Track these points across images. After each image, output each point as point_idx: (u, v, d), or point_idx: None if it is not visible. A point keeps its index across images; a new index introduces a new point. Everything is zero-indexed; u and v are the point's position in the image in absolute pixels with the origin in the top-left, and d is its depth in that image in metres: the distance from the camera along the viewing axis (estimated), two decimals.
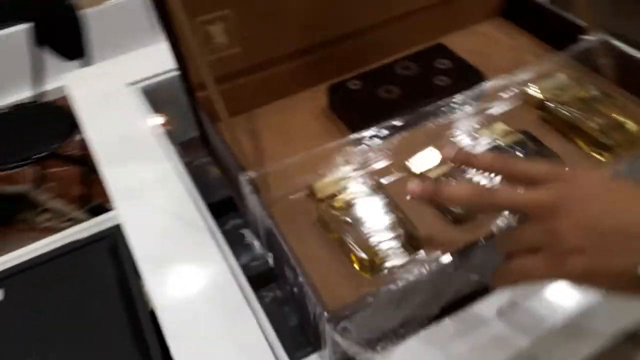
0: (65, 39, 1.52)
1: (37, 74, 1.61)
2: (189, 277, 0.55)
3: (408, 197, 0.44)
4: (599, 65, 0.68)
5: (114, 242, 0.59)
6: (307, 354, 0.51)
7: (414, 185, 0.43)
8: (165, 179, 0.65)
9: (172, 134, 0.83)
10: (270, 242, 0.52)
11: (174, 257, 0.57)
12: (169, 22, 0.57)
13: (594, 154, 0.59)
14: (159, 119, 0.75)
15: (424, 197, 0.43)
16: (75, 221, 0.77)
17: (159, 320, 0.51)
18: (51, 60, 1.54)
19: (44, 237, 0.67)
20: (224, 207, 0.68)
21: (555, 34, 0.74)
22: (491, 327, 0.50)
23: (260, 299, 0.56)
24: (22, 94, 2.04)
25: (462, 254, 0.46)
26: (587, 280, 0.37)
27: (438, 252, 0.46)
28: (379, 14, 0.71)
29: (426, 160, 0.58)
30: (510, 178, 0.41)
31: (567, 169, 0.39)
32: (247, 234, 0.66)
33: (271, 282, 0.60)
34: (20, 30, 1.59)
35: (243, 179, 0.53)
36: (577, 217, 0.36)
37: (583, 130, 0.59)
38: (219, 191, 0.69)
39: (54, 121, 1.53)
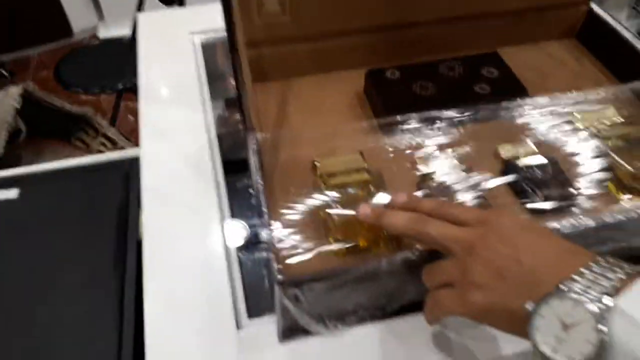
0: None
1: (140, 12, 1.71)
2: (182, 219, 0.58)
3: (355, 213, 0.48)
4: None
5: (127, 171, 0.63)
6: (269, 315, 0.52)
7: (364, 208, 0.47)
8: (194, 127, 0.68)
9: (222, 89, 0.86)
10: (258, 202, 0.54)
11: (176, 198, 0.60)
12: None
13: (620, 196, 0.55)
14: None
15: (369, 220, 0.47)
16: None
17: (142, 251, 0.54)
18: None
19: None
20: (244, 167, 0.70)
21: (626, 66, 0.69)
22: (450, 335, 0.49)
23: (246, 257, 0.58)
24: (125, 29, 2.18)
25: (431, 254, 0.45)
26: (486, 316, 0.39)
27: (411, 248, 0.46)
28: (443, 10, 0.69)
29: (435, 162, 0.57)
30: (448, 220, 0.43)
31: (495, 213, 0.42)
32: None
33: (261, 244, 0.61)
34: None
35: (249, 138, 0.54)
36: (486, 256, 0.39)
37: (612, 169, 0.56)
38: (242, 151, 0.71)
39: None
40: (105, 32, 2.37)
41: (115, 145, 1.02)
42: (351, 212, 0.50)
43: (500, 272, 0.38)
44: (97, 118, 1.02)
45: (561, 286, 0.34)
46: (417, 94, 0.64)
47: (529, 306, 0.35)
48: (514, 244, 0.39)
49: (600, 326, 0.32)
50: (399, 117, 0.59)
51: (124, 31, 2.24)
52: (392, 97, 0.63)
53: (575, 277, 0.34)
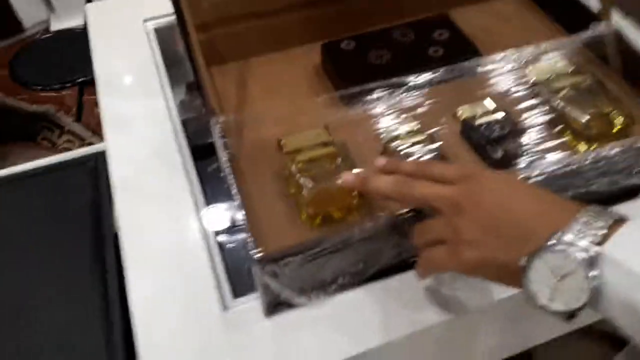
0: None
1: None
2: (155, 209, 0.58)
3: (340, 182, 0.49)
4: (606, 55, 0.66)
5: (95, 166, 0.63)
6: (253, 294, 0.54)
7: (347, 176, 0.48)
8: (157, 115, 0.68)
9: (181, 74, 0.86)
10: (228, 186, 0.55)
11: (147, 188, 0.60)
12: None
13: (577, 144, 0.58)
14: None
15: (354, 187, 0.49)
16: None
17: (120, 243, 0.55)
18: None
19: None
20: (212, 151, 0.71)
21: (571, 18, 0.71)
22: (428, 294, 0.51)
23: (224, 241, 0.59)
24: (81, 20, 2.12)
25: (401, 218, 0.47)
26: (478, 271, 0.40)
27: (381, 214, 0.48)
28: None
29: (400, 130, 0.58)
30: (430, 180, 0.44)
31: (477, 169, 0.43)
32: None
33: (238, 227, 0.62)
34: None
35: (212, 122, 0.55)
36: (474, 212, 0.39)
37: (566, 119, 0.58)
38: (208, 134, 0.72)
39: None
40: (58, 24, 2.30)
41: (83, 142, 1.01)
42: (321, 185, 0.51)
43: (490, 227, 0.39)
44: (60, 115, 1.01)
45: (552, 239, 0.35)
46: (373, 62, 0.65)
47: (522, 261, 0.36)
48: (500, 197, 0.39)
49: (592, 273, 0.34)
50: (358, 88, 0.61)
51: (76, 22, 2.18)
52: (350, 68, 0.64)
53: (565, 228, 0.35)
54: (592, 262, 0.34)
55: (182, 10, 0.61)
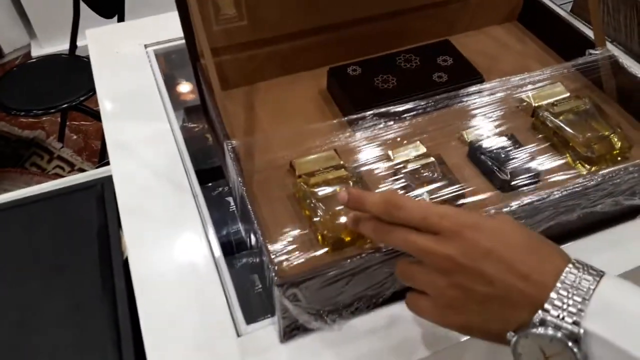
0: None
1: (77, 28, 1.66)
2: (164, 234, 0.58)
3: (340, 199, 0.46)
4: (601, 80, 0.68)
5: (102, 191, 0.63)
6: (265, 319, 0.53)
7: (343, 193, 0.45)
8: (162, 139, 0.68)
9: (180, 99, 0.86)
10: (242, 208, 0.55)
11: (154, 213, 0.59)
12: None
13: (578, 166, 0.59)
14: (167, 83, 0.78)
15: (348, 206, 0.46)
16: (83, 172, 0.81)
17: (130, 269, 0.54)
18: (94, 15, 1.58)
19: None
20: (214, 175, 0.71)
21: (566, 44, 0.74)
22: None
23: (231, 264, 0.59)
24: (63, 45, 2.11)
25: None
26: (464, 332, 0.41)
27: None
28: (392, 4, 0.72)
29: (408, 152, 0.59)
30: (406, 224, 0.41)
31: (469, 220, 0.40)
32: (233, 202, 0.68)
33: (244, 250, 0.62)
34: None
35: (226, 146, 0.55)
36: (461, 281, 0.38)
37: (568, 142, 0.60)
38: (212, 159, 0.72)
39: (82, 75, 1.58)
40: (39, 50, 2.29)
41: (72, 168, 0.99)
42: (335, 208, 0.51)
43: (476, 297, 0.38)
44: (50, 140, 0.99)
45: (537, 316, 0.36)
46: (379, 87, 0.66)
47: (509, 336, 0.37)
48: (488, 267, 0.38)
49: (579, 354, 0.35)
50: (365, 112, 0.61)
51: (58, 48, 2.17)
52: (357, 93, 0.65)
53: (547, 306, 0.36)
54: (578, 340, 0.35)
55: (195, 35, 0.61)
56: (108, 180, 0.62)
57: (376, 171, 0.58)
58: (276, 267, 0.45)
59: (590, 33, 0.69)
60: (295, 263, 0.49)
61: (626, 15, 0.82)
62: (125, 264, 0.55)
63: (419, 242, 0.40)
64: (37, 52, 2.29)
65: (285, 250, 0.51)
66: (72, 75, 1.60)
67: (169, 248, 0.57)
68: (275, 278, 0.44)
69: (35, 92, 1.57)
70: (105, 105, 0.73)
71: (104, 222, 0.60)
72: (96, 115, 1.63)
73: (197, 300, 0.53)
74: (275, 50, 0.69)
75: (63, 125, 1.80)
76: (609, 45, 0.69)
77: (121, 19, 1.55)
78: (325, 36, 0.70)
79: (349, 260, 0.46)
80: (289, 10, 0.66)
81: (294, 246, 0.52)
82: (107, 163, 0.67)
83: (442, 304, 0.40)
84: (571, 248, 0.57)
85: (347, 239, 0.52)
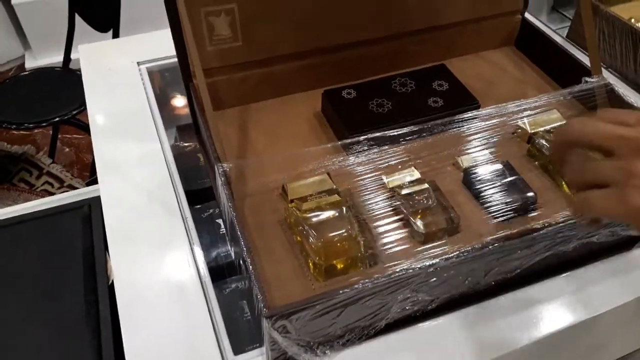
0: (98, 10, 1.56)
1: (71, 41, 1.65)
2: (151, 257, 0.56)
3: None
4: (597, 108, 0.68)
5: (89, 212, 0.61)
6: (254, 349, 0.52)
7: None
8: (152, 159, 0.67)
9: (172, 117, 0.85)
10: (232, 233, 0.53)
11: (142, 235, 0.58)
12: (173, 9, 0.59)
13: (573, 194, 0.58)
14: (158, 101, 0.77)
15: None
16: (73, 189, 0.79)
17: (115, 294, 0.52)
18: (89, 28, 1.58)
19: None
20: (205, 196, 0.70)
21: (562, 70, 0.74)
22: (436, 347, 0.50)
23: (220, 289, 0.58)
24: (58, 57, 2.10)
25: (411, 274, 0.46)
26: None
27: (389, 268, 0.47)
28: (387, 28, 0.71)
29: (403, 177, 0.58)
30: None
31: None
32: (223, 224, 0.67)
33: (235, 275, 0.61)
34: None
35: (218, 168, 0.54)
36: None
37: (563, 170, 0.59)
38: (203, 179, 0.70)
39: (75, 88, 1.57)
40: (33, 62, 2.27)
41: (62, 184, 0.98)
42: (328, 234, 0.50)
43: None
44: (40, 156, 0.98)
45: None
46: (374, 111, 0.65)
47: None
48: None
49: None
50: (360, 136, 0.60)
51: (52, 60, 2.16)
52: (351, 117, 0.64)
53: None
54: None
55: (188, 55, 0.61)
56: (95, 201, 0.61)
57: (370, 197, 0.56)
58: (265, 299, 0.43)
59: (585, 59, 0.69)
60: (285, 293, 0.48)
61: (621, 42, 0.82)
62: (111, 287, 0.54)
63: (617, 129, 0.38)
64: (31, 63, 2.28)
65: (275, 279, 0.49)
66: (65, 88, 1.59)
67: (156, 273, 0.55)
68: (264, 309, 0.43)
69: (27, 104, 1.55)
70: (96, 122, 0.72)
71: (90, 244, 0.58)
72: (88, 129, 1.62)
73: (184, 328, 0.51)
74: (269, 71, 0.68)
75: (54, 139, 1.78)
76: (605, 72, 0.69)
77: (116, 33, 1.55)
78: (320, 58, 0.69)
79: (340, 291, 0.44)
80: (284, 32, 0.66)
81: (285, 275, 0.50)
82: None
83: (629, 185, 0.37)
84: (568, 278, 0.57)
85: (340, 266, 0.51)
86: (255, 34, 0.65)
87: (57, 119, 1.49)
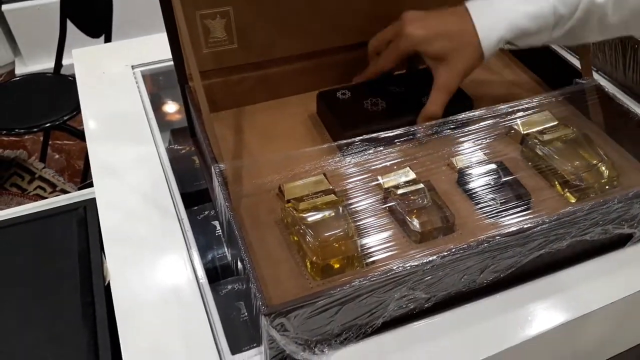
0: (90, 16, 1.56)
1: (62, 47, 1.65)
2: (148, 259, 0.56)
3: None
4: (588, 109, 0.69)
5: (84, 214, 0.61)
6: (251, 349, 0.52)
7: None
8: (147, 161, 0.67)
9: (166, 120, 0.85)
10: (229, 234, 0.53)
11: (138, 237, 0.58)
12: (168, 12, 0.59)
13: (567, 194, 0.59)
14: (153, 104, 0.77)
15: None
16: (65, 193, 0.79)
17: (112, 295, 0.52)
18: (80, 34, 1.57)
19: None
20: (201, 198, 0.70)
21: (554, 73, 0.75)
22: (433, 345, 0.50)
23: (217, 291, 0.58)
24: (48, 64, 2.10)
25: (408, 271, 0.46)
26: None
27: (385, 266, 0.47)
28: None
29: (398, 178, 0.59)
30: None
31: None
32: (219, 226, 0.67)
33: (231, 276, 0.61)
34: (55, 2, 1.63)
35: (214, 169, 0.54)
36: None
37: (557, 170, 0.60)
38: (198, 182, 0.70)
39: (66, 94, 1.56)
40: (23, 68, 2.27)
41: (54, 189, 0.97)
42: (324, 234, 0.51)
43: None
44: (32, 160, 0.97)
45: None
46: (369, 111, 0.65)
47: None
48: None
49: None
50: (355, 137, 0.61)
51: (43, 66, 2.15)
52: (346, 116, 0.65)
53: None
54: None
55: (184, 58, 0.61)
56: (91, 203, 0.61)
57: (365, 196, 0.57)
58: (263, 296, 0.44)
59: (576, 62, 0.70)
60: (282, 293, 0.48)
61: (611, 46, 0.83)
62: (107, 289, 0.53)
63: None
64: (21, 70, 2.27)
65: (272, 278, 0.50)
66: (57, 94, 1.58)
67: (153, 274, 0.55)
68: (263, 307, 0.43)
69: (18, 110, 1.55)
70: (91, 126, 0.71)
71: (86, 246, 0.58)
72: (80, 135, 1.61)
73: (181, 329, 0.51)
74: (265, 74, 0.68)
75: (45, 145, 1.78)
76: (595, 75, 0.70)
77: (108, 39, 1.55)
78: (315, 61, 0.70)
79: (338, 289, 0.44)
80: (280, 35, 0.66)
81: (282, 274, 0.50)
82: (90, 184, 0.65)
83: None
84: (561, 276, 0.57)
85: (337, 266, 0.51)
86: (251, 37, 0.65)
87: (48, 124, 1.48)
